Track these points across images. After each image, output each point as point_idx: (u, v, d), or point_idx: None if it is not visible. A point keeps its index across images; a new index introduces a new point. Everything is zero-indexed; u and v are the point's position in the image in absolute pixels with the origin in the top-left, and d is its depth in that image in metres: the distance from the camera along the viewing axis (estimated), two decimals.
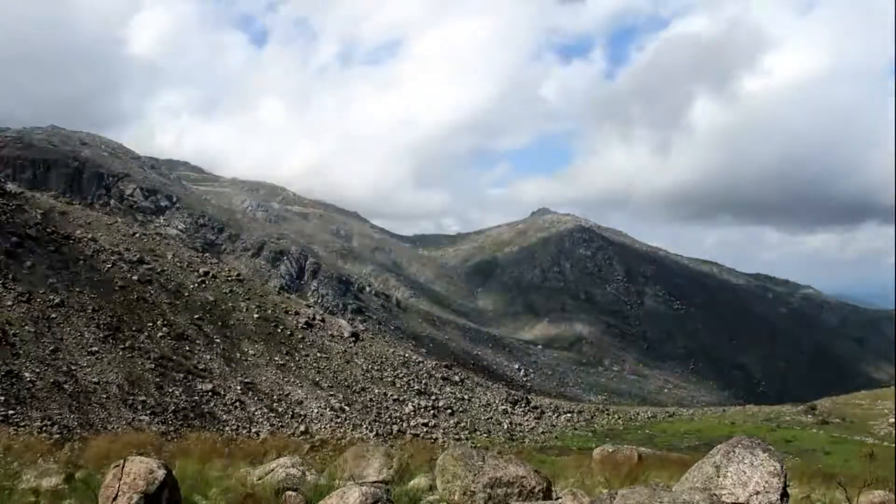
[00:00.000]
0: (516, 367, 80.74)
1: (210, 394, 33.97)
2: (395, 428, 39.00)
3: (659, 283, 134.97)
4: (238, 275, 49.33)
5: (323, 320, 48.11)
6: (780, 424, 49.05)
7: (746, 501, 6.36)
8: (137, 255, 42.36)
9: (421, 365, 49.61)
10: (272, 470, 9.30)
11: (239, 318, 42.25)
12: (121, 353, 32.94)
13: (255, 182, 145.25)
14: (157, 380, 32.82)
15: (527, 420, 47.84)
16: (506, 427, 45.03)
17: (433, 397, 45.03)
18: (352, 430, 36.20)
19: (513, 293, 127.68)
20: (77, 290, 35.70)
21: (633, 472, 11.99)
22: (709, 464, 6.86)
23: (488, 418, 45.67)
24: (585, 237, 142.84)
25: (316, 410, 37.04)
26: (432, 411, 43.17)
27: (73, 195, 70.29)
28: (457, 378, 50.78)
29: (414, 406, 42.53)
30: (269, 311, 44.79)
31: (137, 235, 46.60)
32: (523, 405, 50.48)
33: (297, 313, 46.56)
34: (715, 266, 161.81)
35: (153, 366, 33.44)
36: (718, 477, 6.63)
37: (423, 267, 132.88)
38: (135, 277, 39.83)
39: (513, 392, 55.14)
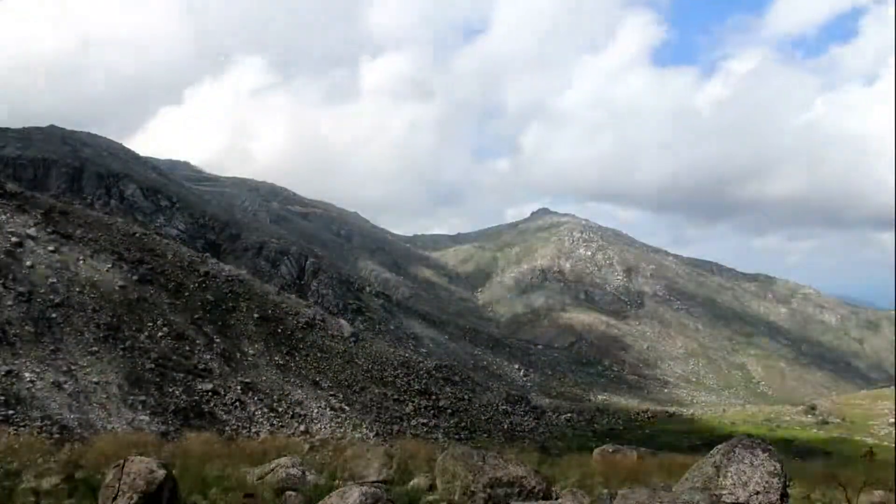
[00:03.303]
0: (516, 367, 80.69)
1: (210, 394, 33.96)
2: (395, 428, 38.98)
3: (659, 282, 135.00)
4: (238, 275, 49.29)
5: (323, 320, 48.08)
6: (780, 424, 49.04)
7: (746, 501, 6.36)
8: (138, 256, 42.34)
9: (421, 365, 49.60)
10: (272, 470, 9.30)
11: (239, 318, 42.24)
12: (121, 353, 32.93)
13: (256, 182, 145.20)
14: (157, 380, 32.80)
15: (527, 420, 47.84)
16: (506, 427, 45.02)
17: (433, 397, 45.01)
18: (352, 430, 36.20)
19: (512, 293, 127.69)
20: (77, 289, 35.68)
21: (633, 472, 11.99)
22: (709, 464, 6.86)
23: (488, 418, 45.67)
24: (586, 237, 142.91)
25: (316, 410, 37.03)
26: (432, 411, 43.17)
27: (74, 195, 70.28)
28: (457, 378, 50.76)
29: (414, 406, 42.52)
30: (270, 312, 44.77)
31: (137, 235, 46.58)
32: (523, 405, 50.46)
33: (297, 313, 46.54)
34: (714, 265, 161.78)
35: (153, 366, 33.43)
36: (718, 477, 6.62)
37: (423, 267, 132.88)
38: (135, 277, 39.81)
39: (513, 392, 55.10)
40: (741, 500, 6.45)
